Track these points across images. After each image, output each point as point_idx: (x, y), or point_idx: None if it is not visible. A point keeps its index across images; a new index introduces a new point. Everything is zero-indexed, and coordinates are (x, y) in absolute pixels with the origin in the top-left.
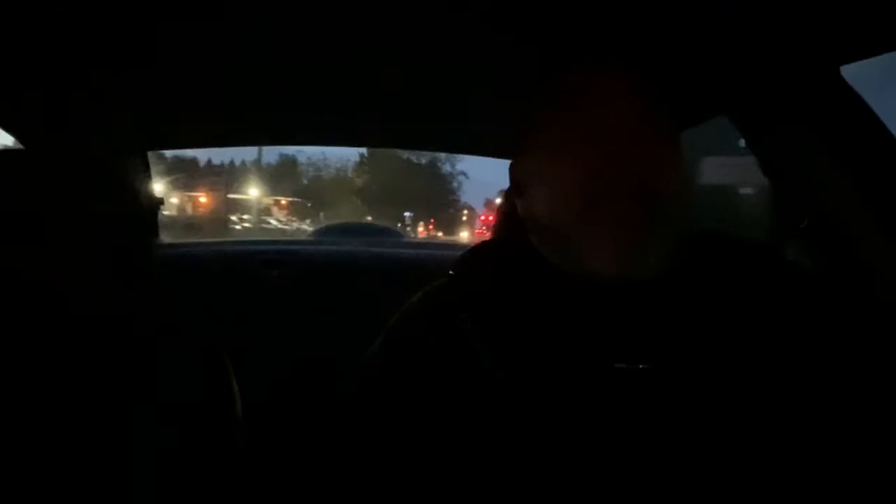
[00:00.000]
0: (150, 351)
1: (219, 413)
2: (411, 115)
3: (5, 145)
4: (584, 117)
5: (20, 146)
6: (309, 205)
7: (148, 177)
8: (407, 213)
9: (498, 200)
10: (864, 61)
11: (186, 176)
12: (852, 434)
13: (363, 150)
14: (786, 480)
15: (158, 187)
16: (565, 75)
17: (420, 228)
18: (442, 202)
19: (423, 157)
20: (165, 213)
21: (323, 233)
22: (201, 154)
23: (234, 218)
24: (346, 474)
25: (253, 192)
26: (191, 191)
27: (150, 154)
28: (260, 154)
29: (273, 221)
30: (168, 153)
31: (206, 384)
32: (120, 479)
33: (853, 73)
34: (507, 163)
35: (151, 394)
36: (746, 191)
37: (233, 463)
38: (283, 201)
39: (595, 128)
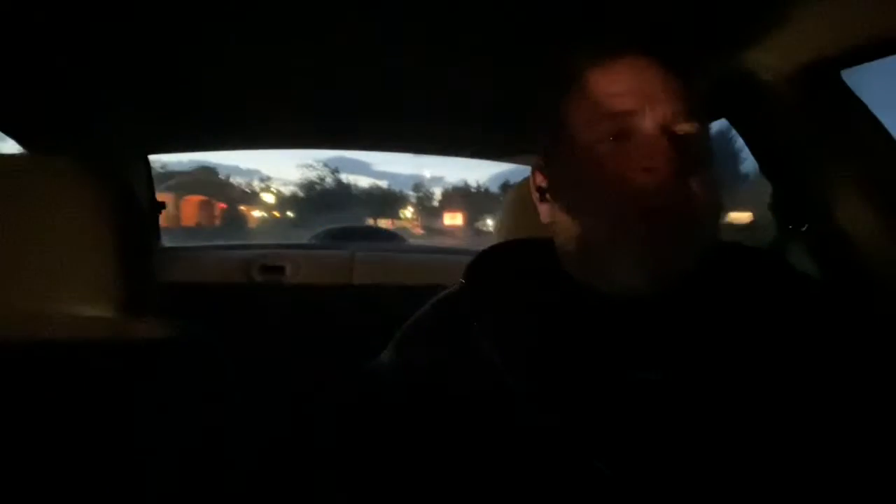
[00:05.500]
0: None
1: (218, 418)
2: (411, 118)
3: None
4: (617, 134)
5: (22, 150)
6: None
7: (150, 180)
8: None
9: None
10: (866, 64)
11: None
12: (862, 441)
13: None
14: (800, 489)
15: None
16: (598, 85)
17: None
18: None
19: None
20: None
21: (322, 236)
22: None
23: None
24: (352, 479)
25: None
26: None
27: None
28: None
29: None
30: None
31: (207, 391)
32: (124, 484)
33: (853, 75)
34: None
35: (152, 399)
36: None
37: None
38: None
39: (629, 145)
